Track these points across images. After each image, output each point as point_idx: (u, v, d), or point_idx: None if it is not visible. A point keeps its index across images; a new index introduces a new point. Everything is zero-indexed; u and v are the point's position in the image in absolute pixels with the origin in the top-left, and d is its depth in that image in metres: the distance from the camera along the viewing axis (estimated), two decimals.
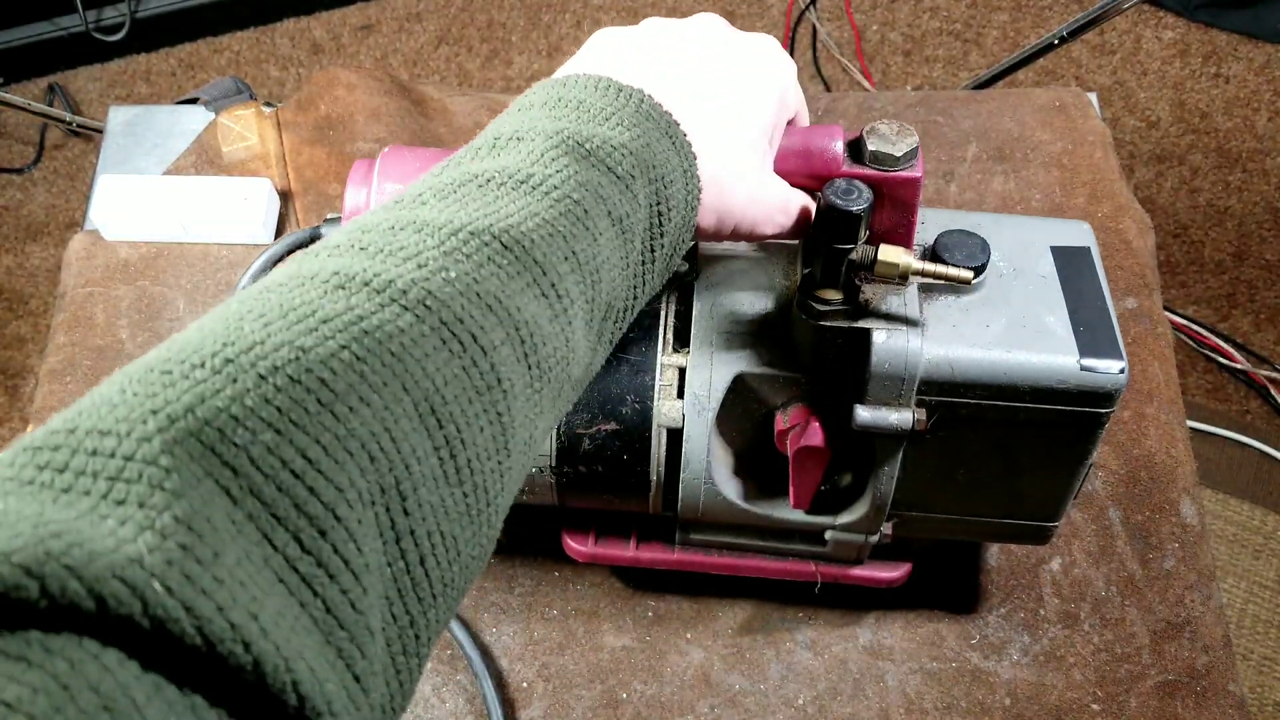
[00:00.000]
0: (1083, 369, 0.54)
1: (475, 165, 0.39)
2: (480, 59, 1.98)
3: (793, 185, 0.52)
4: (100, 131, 1.19)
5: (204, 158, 0.92)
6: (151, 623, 0.23)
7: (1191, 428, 0.82)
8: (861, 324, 0.55)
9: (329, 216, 0.61)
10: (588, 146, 0.40)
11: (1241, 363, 1.61)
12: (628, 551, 0.70)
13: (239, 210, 0.86)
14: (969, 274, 0.53)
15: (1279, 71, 1.89)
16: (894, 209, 0.53)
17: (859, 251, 0.52)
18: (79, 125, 1.75)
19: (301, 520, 0.27)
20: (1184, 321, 1.64)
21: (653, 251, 0.43)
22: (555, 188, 0.38)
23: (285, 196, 0.89)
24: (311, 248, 0.35)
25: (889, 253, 0.52)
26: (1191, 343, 1.64)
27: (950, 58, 1.94)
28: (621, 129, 0.41)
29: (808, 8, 1.99)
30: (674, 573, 0.73)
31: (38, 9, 1.92)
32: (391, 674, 0.30)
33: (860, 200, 0.50)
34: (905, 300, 0.56)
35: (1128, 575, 0.74)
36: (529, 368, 0.35)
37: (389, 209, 0.37)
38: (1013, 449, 0.59)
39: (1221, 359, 1.62)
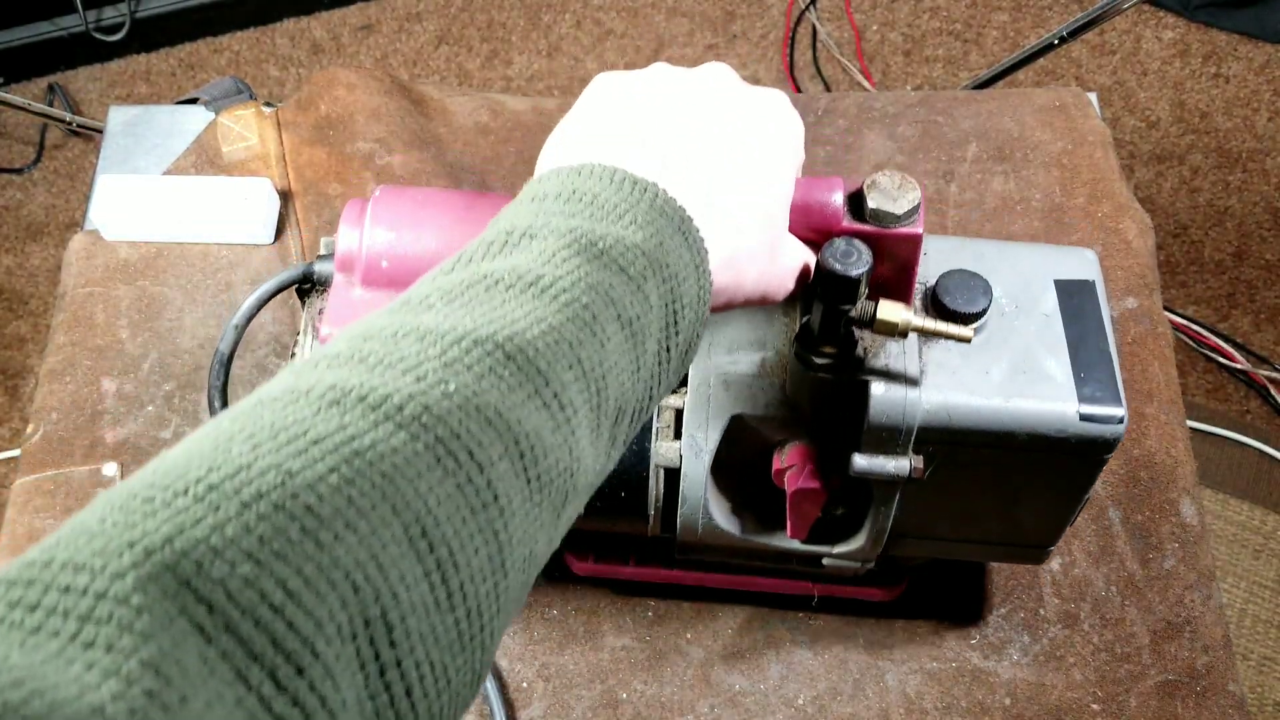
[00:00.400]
0: (1082, 418, 0.54)
1: (486, 264, 0.38)
2: (480, 59, 1.98)
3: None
4: (100, 131, 1.19)
5: (204, 158, 0.92)
6: None
7: (1191, 428, 0.82)
8: (860, 376, 0.54)
9: (321, 254, 0.60)
10: (600, 245, 0.39)
11: (1241, 363, 1.61)
12: (627, 568, 0.71)
13: (239, 210, 0.86)
14: (969, 333, 0.52)
15: (1279, 71, 1.89)
16: (894, 262, 0.52)
17: (858, 309, 0.52)
18: (79, 125, 1.75)
19: (278, 657, 0.26)
20: (1184, 321, 1.64)
21: (668, 350, 0.42)
22: (565, 290, 0.37)
23: (285, 196, 0.89)
24: (312, 355, 0.34)
25: (888, 310, 0.51)
26: (1191, 343, 1.64)
27: (950, 58, 1.94)
28: (635, 228, 0.40)
29: (808, 8, 1.99)
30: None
31: (38, 9, 1.92)
32: None
33: (859, 264, 0.49)
34: (904, 348, 0.55)
35: (1128, 575, 0.74)
36: (528, 482, 0.34)
37: (395, 312, 0.36)
38: (1010, 487, 0.59)
39: (1221, 359, 1.62)
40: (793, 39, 1.97)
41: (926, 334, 0.52)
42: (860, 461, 0.56)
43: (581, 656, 0.72)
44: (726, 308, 0.47)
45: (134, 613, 0.24)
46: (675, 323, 0.41)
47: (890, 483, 0.57)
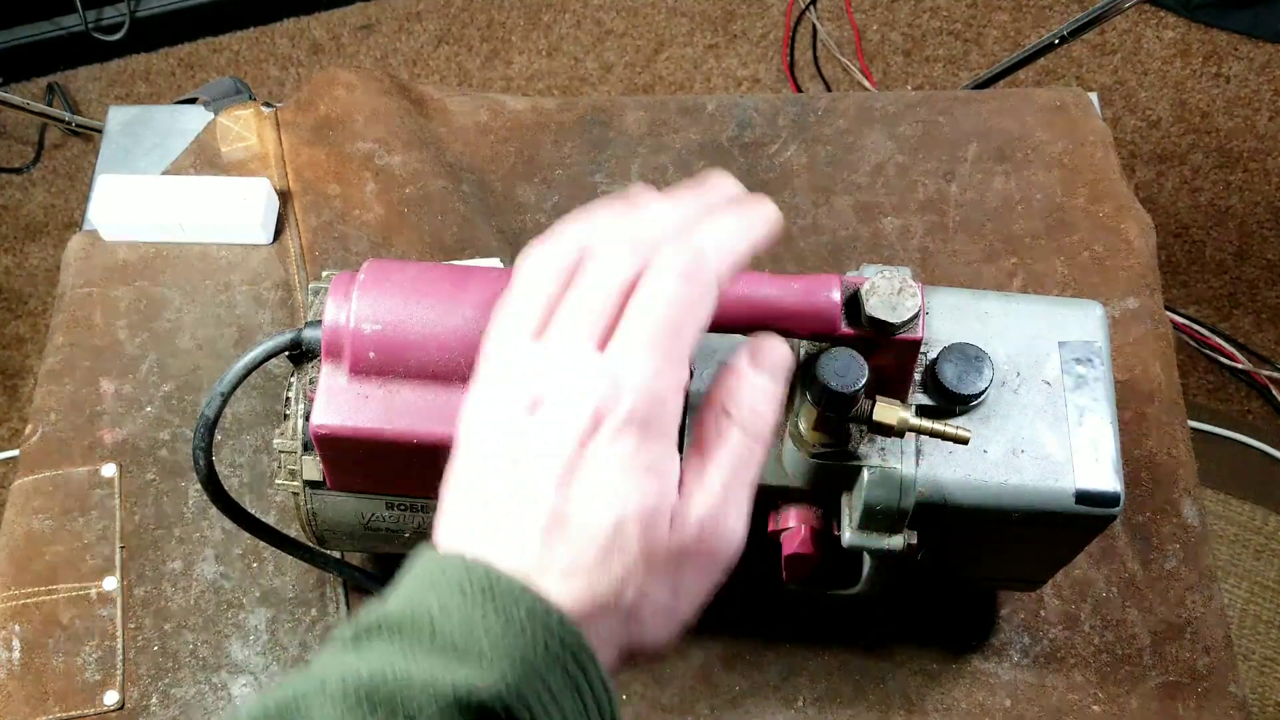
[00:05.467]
0: (1078, 500, 0.54)
1: None
2: (480, 59, 1.98)
3: (787, 337, 0.47)
4: (99, 131, 1.19)
5: (203, 158, 0.92)
6: None
7: (1193, 428, 0.82)
8: (854, 462, 0.54)
9: (309, 320, 0.58)
10: (410, 708, 0.31)
11: (1243, 363, 1.61)
12: None
13: (238, 211, 0.85)
14: (967, 434, 0.51)
15: (1279, 71, 1.89)
16: (892, 358, 0.51)
17: (854, 409, 0.51)
18: (78, 125, 1.75)
19: None
20: (1185, 321, 1.64)
21: None
22: None
23: (284, 197, 0.89)
24: None
25: (885, 412, 0.50)
26: (1193, 343, 1.64)
27: (951, 57, 1.94)
28: (480, 668, 0.32)
29: (808, 7, 1.99)
30: None
31: (37, 9, 1.92)
32: None
33: (855, 380, 0.49)
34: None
35: (1129, 576, 0.74)
36: None
37: None
38: (1004, 550, 0.60)
39: (1223, 359, 1.62)
40: (793, 39, 1.97)
41: (923, 434, 0.51)
42: (853, 538, 0.56)
43: None
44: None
45: None
46: None
47: (884, 555, 0.57)
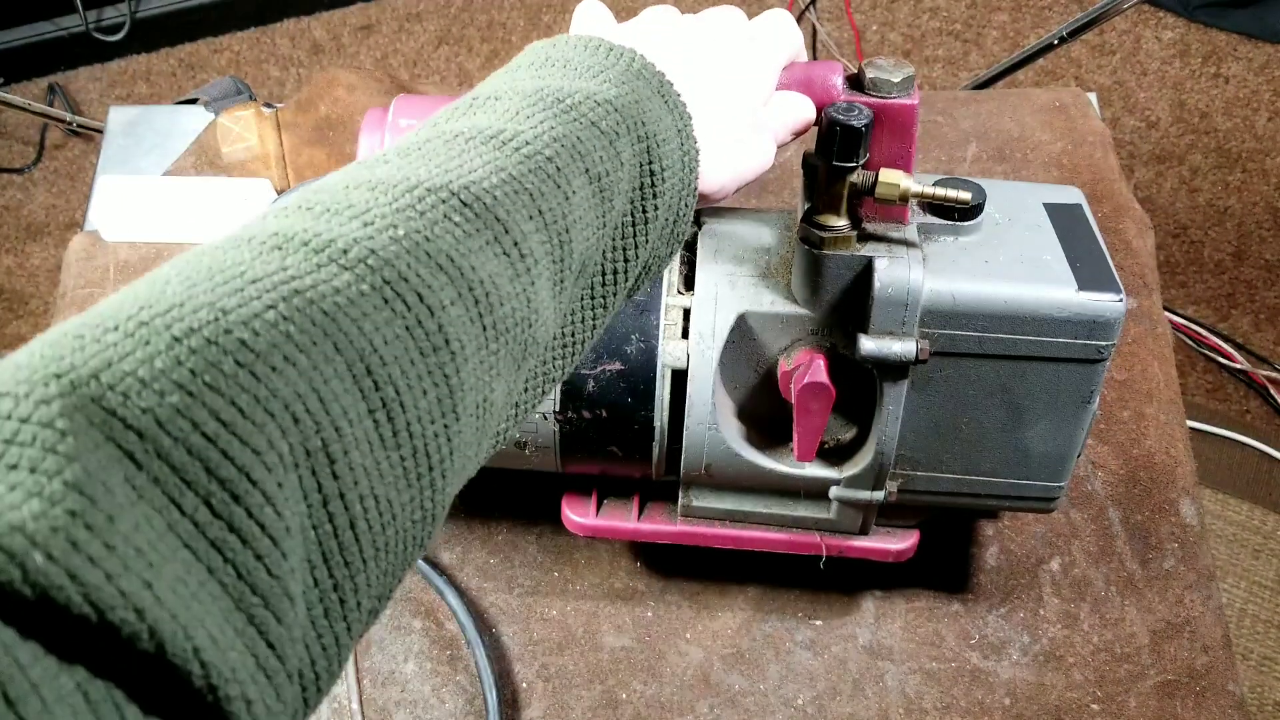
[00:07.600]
0: (1081, 296, 0.56)
1: (448, 125, 0.38)
2: (480, 59, 1.98)
3: None
4: (100, 132, 1.19)
5: (204, 158, 0.92)
6: (34, 590, 0.22)
7: (1191, 428, 0.82)
8: (864, 252, 0.56)
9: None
10: (569, 101, 0.39)
11: (1241, 363, 1.61)
12: (629, 524, 0.69)
13: (239, 211, 0.86)
14: (967, 194, 0.54)
15: (1279, 72, 1.89)
16: (892, 137, 0.54)
17: (860, 175, 0.54)
18: (79, 125, 1.75)
19: (213, 484, 0.26)
20: (1184, 321, 1.64)
21: (644, 212, 0.41)
22: (527, 143, 0.37)
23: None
24: (261, 211, 0.35)
25: (889, 175, 0.53)
26: (1191, 343, 1.64)
27: (950, 58, 1.94)
28: (608, 85, 0.40)
29: (808, 8, 1.99)
30: (674, 566, 0.73)
31: (38, 9, 1.92)
32: (313, 638, 0.29)
33: (861, 117, 0.52)
34: (905, 234, 0.57)
35: (1127, 575, 0.74)
36: (484, 329, 0.34)
37: (348, 170, 0.36)
38: (1015, 391, 0.60)
39: (1221, 359, 1.62)
40: None
41: (925, 199, 0.55)
42: (867, 343, 0.57)
43: (581, 657, 0.72)
44: (722, 195, 0.47)
45: (58, 435, 0.24)
46: (653, 184, 0.41)
47: (896, 370, 0.57)
